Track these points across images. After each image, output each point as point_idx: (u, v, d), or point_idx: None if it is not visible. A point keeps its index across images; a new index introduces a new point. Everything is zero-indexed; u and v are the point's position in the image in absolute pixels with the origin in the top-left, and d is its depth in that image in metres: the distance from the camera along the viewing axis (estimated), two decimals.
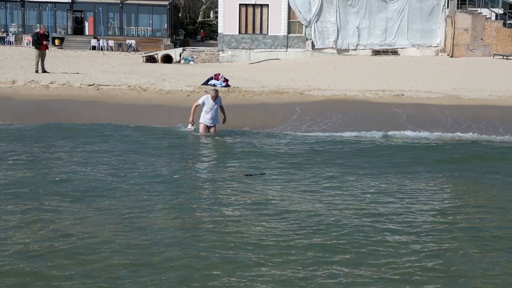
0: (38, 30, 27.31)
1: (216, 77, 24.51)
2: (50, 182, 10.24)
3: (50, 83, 22.18)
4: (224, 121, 15.32)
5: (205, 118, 15.02)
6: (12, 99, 19.75)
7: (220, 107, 15.25)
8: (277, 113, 19.22)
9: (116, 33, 46.22)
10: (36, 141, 13.71)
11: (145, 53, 40.88)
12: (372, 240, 7.68)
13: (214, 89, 15.49)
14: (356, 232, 7.96)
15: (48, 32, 44.33)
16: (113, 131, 15.32)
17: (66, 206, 8.88)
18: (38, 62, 25.63)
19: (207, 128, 15.09)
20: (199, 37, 60.37)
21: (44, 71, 25.60)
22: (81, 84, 22.51)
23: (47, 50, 26.46)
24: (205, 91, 22.62)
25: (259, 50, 39.66)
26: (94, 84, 22.64)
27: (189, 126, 15.15)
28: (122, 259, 6.95)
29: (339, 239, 7.69)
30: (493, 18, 40.14)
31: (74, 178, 10.51)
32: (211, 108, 14.97)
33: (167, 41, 45.27)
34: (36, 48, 25.78)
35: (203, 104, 14.93)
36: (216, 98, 14.99)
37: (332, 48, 39.78)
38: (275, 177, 11.19)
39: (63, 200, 9.18)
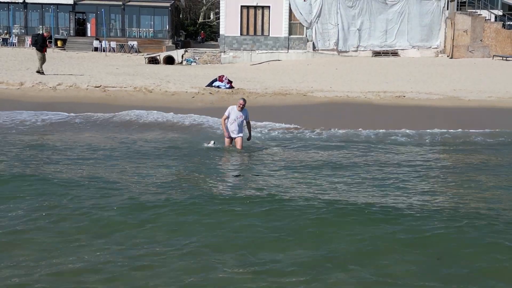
0: (43, 32, 27.52)
1: (220, 78, 24.85)
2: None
3: (57, 85, 22.54)
4: (249, 138, 13.91)
5: (229, 130, 13.55)
6: (21, 101, 20.10)
7: (247, 122, 13.75)
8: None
9: (118, 35, 46.46)
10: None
11: (147, 54, 41.19)
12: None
13: (242, 97, 14.10)
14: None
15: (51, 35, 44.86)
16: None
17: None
18: (42, 63, 25.94)
19: (232, 140, 13.65)
20: (199, 38, 60.68)
21: (40, 72, 25.81)
22: (88, 85, 22.86)
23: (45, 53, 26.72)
24: (210, 93, 23.02)
25: (260, 51, 40.02)
26: (100, 85, 23.00)
27: (211, 142, 13.84)
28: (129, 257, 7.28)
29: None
30: (493, 19, 40.52)
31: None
32: (235, 120, 13.46)
33: (169, 43, 45.57)
34: (39, 50, 26.01)
35: (229, 115, 13.52)
36: (243, 107, 13.51)
37: (333, 49, 40.16)
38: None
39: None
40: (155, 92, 22.62)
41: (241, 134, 13.57)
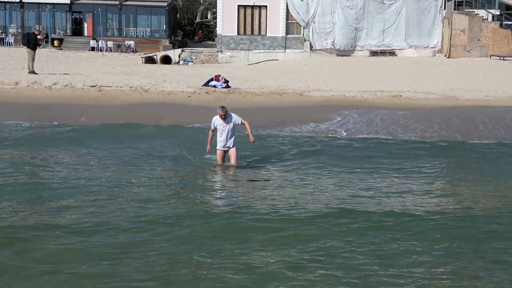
0: (35, 31, 27.35)
1: (217, 78, 24.74)
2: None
3: (53, 84, 22.44)
4: (252, 140, 12.26)
5: (220, 142, 12.14)
6: (16, 100, 20.00)
7: (243, 124, 12.26)
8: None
9: (115, 34, 46.35)
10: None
11: (144, 54, 41.08)
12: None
13: (221, 106, 12.41)
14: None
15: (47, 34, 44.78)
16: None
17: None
18: (33, 62, 25.78)
19: (224, 153, 12.25)
20: (196, 38, 60.62)
21: (33, 71, 25.70)
22: (83, 85, 22.76)
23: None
24: (206, 92, 22.94)
25: (257, 51, 39.92)
26: (96, 85, 22.90)
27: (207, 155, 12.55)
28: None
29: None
30: (490, 19, 40.47)
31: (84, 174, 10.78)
32: (223, 130, 12.04)
33: (166, 42, 45.48)
34: (32, 49, 25.77)
35: (215, 127, 12.13)
36: (225, 115, 12.00)
37: (330, 49, 40.07)
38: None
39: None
40: (151, 91, 22.53)
41: (233, 145, 12.16)
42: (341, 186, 10.81)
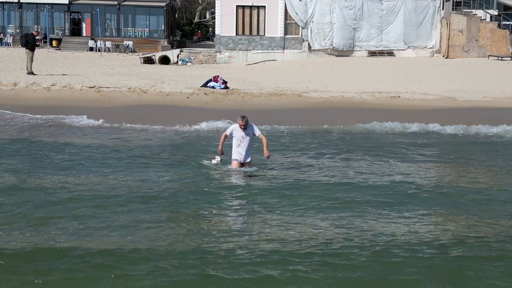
0: (33, 31, 27.41)
1: (215, 79, 24.74)
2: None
3: (51, 85, 22.45)
4: (267, 155, 11.75)
5: (236, 153, 11.71)
6: (14, 102, 20.01)
7: (260, 138, 11.75)
8: None
9: (114, 34, 46.33)
10: None
11: (142, 54, 41.04)
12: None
13: (241, 115, 11.73)
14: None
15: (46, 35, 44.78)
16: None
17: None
18: (32, 63, 25.82)
19: (241, 165, 11.77)
20: (195, 38, 60.62)
21: (32, 72, 25.73)
22: (82, 86, 22.77)
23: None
24: (205, 93, 22.96)
25: (256, 51, 39.93)
26: (95, 86, 22.91)
27: (216, 158, 12.08)
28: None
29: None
30: (488, 19, 40.52)
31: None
32: (242, 141, 11.60)
33: (164, 42, 45.47)
34: (31, 50, 25.80)
35: (232, 135, 11.68)
36: (245, 126, 11.52)
37: (328, 49, 40.09)
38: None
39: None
40: (149, 92, 22.54)
41: (249, 159, 11.78)
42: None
